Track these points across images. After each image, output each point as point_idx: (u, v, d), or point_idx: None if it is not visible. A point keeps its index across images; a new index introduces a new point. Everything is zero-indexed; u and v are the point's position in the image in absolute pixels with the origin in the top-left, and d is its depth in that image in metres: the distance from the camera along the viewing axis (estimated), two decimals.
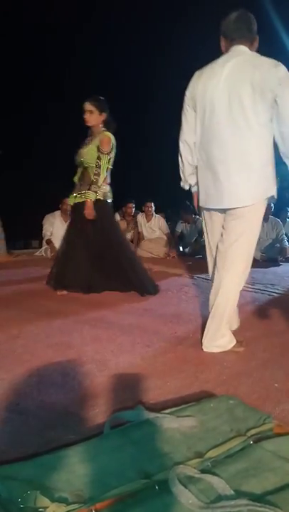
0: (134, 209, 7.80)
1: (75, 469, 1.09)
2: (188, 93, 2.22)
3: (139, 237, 7.57)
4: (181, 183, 2.42)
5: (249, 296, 3.62)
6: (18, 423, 1.45)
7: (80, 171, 3.72)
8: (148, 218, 7.47)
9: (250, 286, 3.90)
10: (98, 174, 3.54)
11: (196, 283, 4.41)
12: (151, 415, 1.34)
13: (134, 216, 7.74)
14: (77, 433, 1.36)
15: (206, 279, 4.43)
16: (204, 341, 2.25)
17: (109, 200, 3.72)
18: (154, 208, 7.50)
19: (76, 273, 3.61)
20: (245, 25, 2.13)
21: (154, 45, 11.30)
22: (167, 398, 1.64)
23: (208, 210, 2.31)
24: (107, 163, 3.56)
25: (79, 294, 3.59)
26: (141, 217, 7.53)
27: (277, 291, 3.97)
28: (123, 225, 7.73)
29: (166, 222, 7.76)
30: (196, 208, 2.46)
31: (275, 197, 2.19)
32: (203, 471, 1.08)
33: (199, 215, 2.52)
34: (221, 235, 2.24)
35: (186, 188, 2.42)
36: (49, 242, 6.58)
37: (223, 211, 2.23)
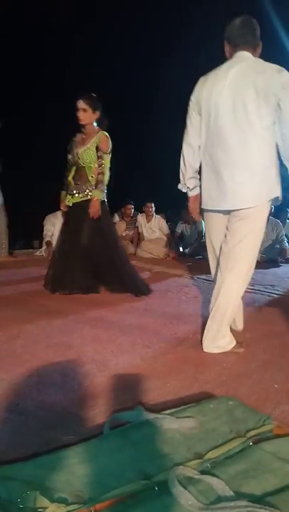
0: (133, 210, 7.80)
1: (74, 470, 1.09)
2: (193, 98, 2.25)
3: (139, 238, 7.57)
4: (179, 186, 2.43)
5: (249, 297, 3.62)
6: (17, 423, 1.45)
7: (73, 170, 3.71)
8: (148, 219, 7.47)
9: (249, 287, 3.88)
10: (103, 173, 3.57)
11: (196, 284, 4.41)
12: (151, 416, 1.34)
13: (133, 217, 7.74)
14: (77, 433, 1.36)
15: (206, 280, 4.44)
16: (204, 342, 2.25)
17: (105, 200, 3.71)
18: (154, 208, 7.50)
19: (74, 274, 3.59)
20: (249, 31, 2.17)
21: (157, 45, 11.30)
22: (167, 399, 1.64)
23: (211, 211, 2.32)
24: (108, 163, 3.62)
25: (79, 294, 3.58)
26: (141, 218, 7.53)
27: (277, 292, 3.98)
28: (122, 225, 7.73)
29: (167, 222, 7.76)
30: (190, 210, 2.46)
31: (280, 198, 2.21)
32: (202, 472, 1.08)
33: (194, 217, 2.52)
34: (225, 236, 2.26)
35: (184, 190, 2.43)
36: (48, 244, 6.57)
37: (227, 212, 2.24)
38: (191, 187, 2.38)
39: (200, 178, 2.35)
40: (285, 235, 6.93)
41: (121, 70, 12.20)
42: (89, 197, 3.58)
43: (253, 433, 1.28)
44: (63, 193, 3.81)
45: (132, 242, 7.63)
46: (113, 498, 0.99)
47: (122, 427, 1.31)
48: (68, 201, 3.70)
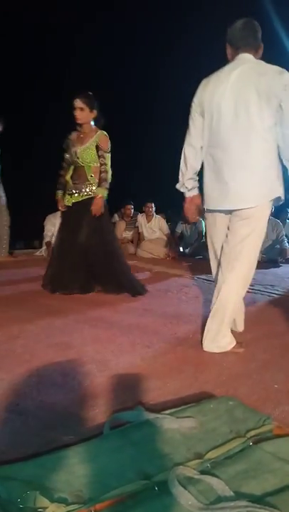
0: (132, 210, 7.80)
1: (74, 470, 1.09)
2: (196, 100, 2.28)
3: (139, 238, 7.56)
4: (178, 186, 2.44)
5: (249, 297, 3.61)
6: (17, 423, 1.45)
7: (71, 169, 3.69)
8: (148, 219, 7.46)
9: (250, 287, 3.86)
10: (106, 172, 3.58)
11: (196, 284, 4.41)
12: (151, 416, 1.34)
13: (133, 217, 7.74)
14: (77, 433, 1.36)
15: (206, 280, 4.43)
16: (205, 341, 2.26)
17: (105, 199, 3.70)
18: (154, 208, 7.50)
19: (74, 273, 3.58)
20: (250, 34, 2.20)
21: (157, 45, 11.29)
22: (167, 399, 1.64)
23: (213, 211, 2.34)
24: (109, 161, 3.63)
25: (78, 294, 3.58)
26: (141, 218, 7.52)
27: (277, 292, 3.97)
28: (122, 225, 7.72)
29: (167, 222, 7.75)
30: (185, 210, 2.48)
31: (283, 198, 2.22)
32: (202, 472, 1.09)
33: (188, 218, 2.55)
34: (226, 236, 2.28)
35: (182, 190, 2.44)
36: (49, 244, 6.55)
37: (228, 212, 2.26)
38: (189, 187, 2.40)
39: (202, 179, 2.37)
40: (286, 235, 6.93)
41: (121, 70, 12.20)
42: (88, 196, 3.57)
43: (253, 433, 1.28)
44: (59, 192, 3.76)
45: (132, 242, 7.63)
46: (113, 498, 0.99)
47: (122, 427, 1.31)
48: (68, 201, 3.67)
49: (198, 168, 2.37)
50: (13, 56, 10.92)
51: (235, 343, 2.25)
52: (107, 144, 3.59)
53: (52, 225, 6.63)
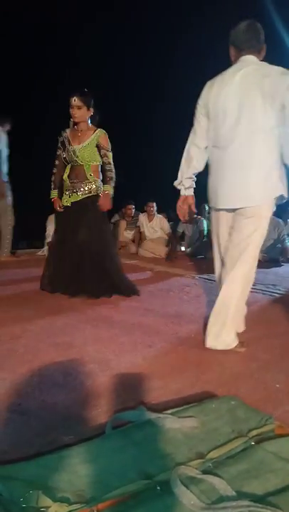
0: (134, 210, 7.79)
1: (76, 470, 1.09)
2: (200, 102, 2.33)
3: (140, 237, 7.55)
4: (175, 183, 2.48)
5: (250, 296, 3.57)
6: (19, 423, 1.45)
7: (68, 168, 3.61)
8: (150, 218, 7.45)
9: (251, 286, 3.88)
10: (112, 170, 3.56)
11: (197, 283, 4.40)
12: (153, 416, 1.34)
13: (134, 217, 7.73)
14: (79, 433, 1.36)
15: (208, 280, 4.43)
16: (208, 338, 2.27)
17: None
18: (156, 208, 7.49)
19: (74, 274, 3.51)
20: (253, 36, 2.24)
21: (162, 46, 11.31)
22: (169, 399, 1.64)
23: (217, 210, 2.38)
24: (111, 159, 3.60)
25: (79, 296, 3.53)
26: (143, 217, 7.51)
27: (278, 291, 3.97)
28: (122, 224, 7.71)
29: (168, 222, 7.74)
30: (178, 208, 2.51)
31: (286, 196, 2.25)
32: (204, 472, 1.09)
33: (179, 216, 2.58)
34: (229, 235, 2.32)
35: (179, 188, 2.48)
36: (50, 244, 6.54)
37: (232, 211, 2.30)
38: (186, 186, 2.45)
39: (207, 178, 2.41)
40: (287, 235, 6.92)
41: (123, 70, 12.22)
42: (87, 195, 3.53)
43: (254, 433, 1.28)
44: (55, 192, 3.66)
45: (133, 241, 7.62)
46: (115, 498, 0.99)
47: (124, 426, 1.31)
48: (66, 201, 3.59)
49: (201, 168, 2.42)
50: (13, 56, 10.93)
51: (237, 341, 2.26)
52: (108, 143, 3.57)
53: (54, 225, 6.60)
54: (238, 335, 2.32)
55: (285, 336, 2.57)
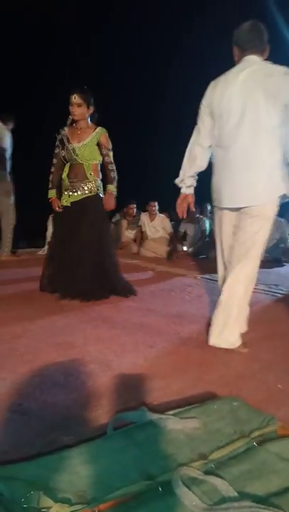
0: (135, 210, 7.78)
1: (77, 470, 1.08)
2: (204, 102, 2.36)
3: (142, 237, 7.55)
4: (177, 180, 2.50)
5: (252, 297, 3.56)
6: (20, 423, 1.45)
7: (67, 167, 3.53)
8: (152, 218, 7.44)
9: (253, 286, 3.87)
10: (114, 170, 3.52)
11: (199, 283, 4.40)
12: (155, 416, 1.34)
13: (136, 216, 7.72)
14: (80, 434, 1.35)
15: (209, 279, 4.42)
16: (211, 336, 2.28)
17: (101, 195, 3.58)
18: (157, 207, 7.48)
19: (74, 276, 3.42)
20: (257, 36, 2.26)
21: (164, 46, 11.31)
22: (170, 399, 1.64)
23: (221, 209, 2.39)
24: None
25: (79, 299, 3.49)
26: (144, 217, 7.50)
27: (281, 291, 3.96)
28: (124, 224, 7.70)
29: (170, 221, 7.73)
30: (177, 206, 2.53)
31: None
32: (206, 473, 1.08)
33: (178, 214, 2.61)
34: (234, 234, 2.34)
35: (180, 185, 2.51)
36: None
37: (236, 210, 2.32)
38: (187, 184, 2.48)
39: (211, 177, 2.42)
40: None
41: (125, 70, 12.20)
42: (87, 195, 3.48)
43: (257, 433, 1.27)
44: (54, 192, 3.57)
45: (135, 241, 7.62)
46: (116, 499, 0.98)
47: (126, 427, 1.31)
48: (66, 201, 3.51)
49: (204, 167, 2.45)
50: (13, 56, 10.93)
51: (241, 342, 2.26)
52: (109, 142, 3.51)
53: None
54: (241, 335, 2.31)
55: (287, 337, 2.56)
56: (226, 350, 2.24)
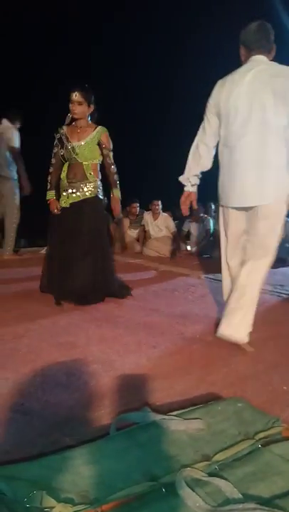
0: (138, 209, 7.75)
1: (80, 470, 1.08)
2: (211, 101, 2.37)
3: (145, 236, 7.53)
4: (181, 178, 2.52)
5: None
6: (22, 423, 1.44)
7: (65, 166, 3.42)
8: (155, 217, 7.42)
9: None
10: (116, 172, 3.45)
11: (202, 283, 4.38)
12: (158, 417, 1.33)
13: (139, 215, 7.70)
14: (82, 434, 1.35)
15: (213, 279, 4.41)
16: (222, 327, 2.28)
17: (101, 196, 3.49)
18: (161, 206, 7.47)
19: (75, 278, 3.31)
20: (264, 36, 2.29)
21: (169, 46, 11.30)
22: (174, 400, 1.63)
23: (228, 208, 2.40)
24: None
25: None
26: (148, 216, 7.48)
27: (286, 292, 3.94)
28: (126, 223, 7.68)
29: (173, 220, 7.72)
30: (181, 203, 2.55)
31: None
32: (210, 474, 1.07)
33: (182, 211, 2.63)
34: (245, 233, 2.37)
35: (184, 183, 2.52)
36: None
37: (243, 209, 2.33)
38: (192, 183, 2.50)
39: (219, 177, 2.43)
40: None
41: (130, 69, 12.19)
42: (87, 196, 3.37)
43: (261, 435, 1.27)
44: (52, 193, 3.44)
45: (138, 240, 7.61)
46: (119, 499, 0.97)
47: (129, 428, 1.30)
48: (64, 202, 3.38)
49: (209, 167, 2.47)
50: (13, 56, 10.94)
51: (248, 339, 2.27)
52: (110, 142, 3.42)
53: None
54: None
55: None
56: (230, 350, 2.23)
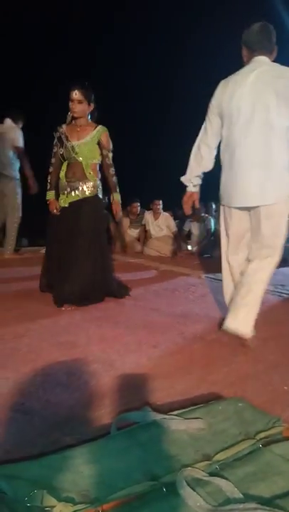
0: (139, 208, 7.75)
1: (81, 470, 1.08)
2: (214, 102, 2.38)
3: (146, 236, 7.53)
4: (183, 179, 2.53)
5: None
6: (23, 423, 1.44)
7: (64, 165, 3.37)
8: (156, 216, 7.42)
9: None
10: (115, 174, 3.40)
11: (203, 282, 4.38)
12: (159, 417, 1.32)
13: (140, 215, 7.70)
14: (83, 434, 1.35)
15: (214, 279, 4.41)
16: (227, 321, 2.30)
17: (100, 196, 3.46)
18: (161, 205, 7.46)
19: (75, 279, 3.24)
20: (266, 38, 2.31)
21: (169, 46, 11.30)
22: (174, 399, 1.63)
23: (230, 208, 2.40)
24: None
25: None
26: (148, 215, 7.48)
27: (286, 291, 3.94)
28: (125, 222, 7.67)
29: (174, 220, 7.72)
30: (184, 202, 2.57)
31: None
32: (211, 474, 1.07)
33: (184, 210, 2.65)
34: (251, 233, 2.39)
35: (187, 184, 2.54)
36: None
37: (246, 209, 2.34)
38: (194, 183, 2.52)
39: (221, 177, 2.45)
40: None
41: (131, 69, 12.19)
42: (86, 195, 3.33)
43: (262, 435, 1.26)
44: (52, 193, 3.41)
45: (138, 240, 7.61)
46: (120, 499, 0.97)
47: (129, 427, 1.29)
48: (63, 202, 3.35)
49: (211, 167, 2.48)
50: (13, 56, 10.93)
51: (253, 334, 2.30)
52: (110, 142, 3.37)
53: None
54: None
55: None
56: (231, 350, 2.23)
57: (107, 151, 3.37)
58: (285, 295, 3.80)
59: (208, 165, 2.47)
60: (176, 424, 1.28)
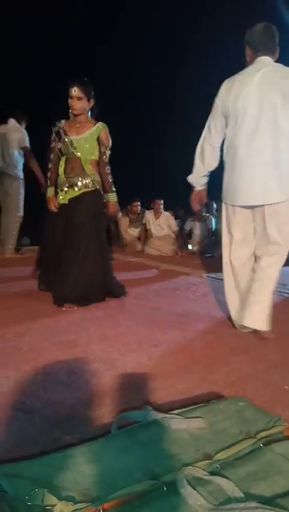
0: (139, 207, 7.75)
1: (81, 469, 1.08)
2: (218, 101, 2.40)
3: (146, 235, 7.53)
4: (190, 179, 2.58)
5: None
6: (23, 422, 1.44)
7: (62, 161, 3.31)
8: (157, 215, 7.42)
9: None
10: (111, 173, 3.34)
11: (204, 282, 4.38)
12: (159, 416, 1.32)
13: (140, 214, 7.70)
14: (84, 433, 1.35)
15: (215, 278, 4.41)
16: (242, 317, 2.37)
17: (101, 191, 3.39)
18: (162, 205, 7.46)
19: (75, 278, 3.18)
20: (269, 38, 2.33)
21: (171, 46, 11.28)
22: (175, 399, 1.63)
23: (234, 207, 2.42)
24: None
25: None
26: (149, 214, 7.48)
27: (287, 291, 3.93)
28: (125, 221, 7.67)
29: (175, 219, 7.71)
30: (192, 200, 2.64)
31: None
32: (212, 473, 1.07)
33: (192, 207, 2.74)
34: (256, 231, 2.42)
35: (194, 184, 2.58)
36: None
37: (250, 208, 2.36)
38: (202, 183, 2.57)
39: (224, 176, 2.48)
40: None
41: (133, 69, 12.16)
42: (84, 190, 3.26)
43: (263, 434, 1.26)
44: (51, 190, 3.35)
45: (139, 239, 7.61)
46: (120, 498, 0.97)
47: (130, 426, 1.29)
48: (62, 198, 3.29)
49: (216, 166, 2.52)
50: (13, 56, 10.93)
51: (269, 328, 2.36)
52: (109, 140, 3.32)
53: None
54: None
55: None
56: (232, 349, 2.24)
57: (105, 148, 3.32)
58: (285, 294, 3.80)
59: (213, 163, 2.50)
60: (177, 424, 1.28)
